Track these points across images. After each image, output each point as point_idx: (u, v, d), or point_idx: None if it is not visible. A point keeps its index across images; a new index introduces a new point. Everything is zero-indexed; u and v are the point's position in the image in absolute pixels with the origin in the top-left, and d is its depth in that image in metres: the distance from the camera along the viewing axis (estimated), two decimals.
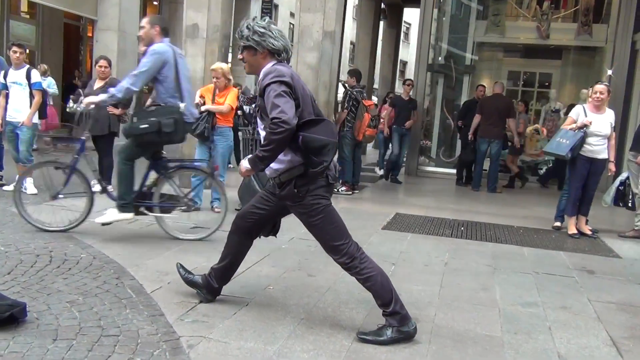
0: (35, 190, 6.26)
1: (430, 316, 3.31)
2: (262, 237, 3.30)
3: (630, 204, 6.04)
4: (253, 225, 3.16)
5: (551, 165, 11.22)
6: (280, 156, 2.81)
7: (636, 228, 6.01)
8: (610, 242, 5.76)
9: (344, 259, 2.93)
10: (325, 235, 2.94)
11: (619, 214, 7.25)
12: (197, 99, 6.01)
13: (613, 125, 5.84)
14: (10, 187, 6.28)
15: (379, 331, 2.90)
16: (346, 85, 7.80)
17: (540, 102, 12.17)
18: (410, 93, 9.91)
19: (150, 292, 3.40)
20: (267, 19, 3.03)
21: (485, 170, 9.29)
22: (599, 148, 5.75)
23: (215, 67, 5.97)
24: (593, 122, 5.68)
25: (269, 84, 2.77)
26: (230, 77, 6.03)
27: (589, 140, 5.70)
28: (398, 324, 2.88)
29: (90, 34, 16.60)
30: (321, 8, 6.82)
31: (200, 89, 6.20)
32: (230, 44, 8.24)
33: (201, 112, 5.73)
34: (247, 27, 2.94)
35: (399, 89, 35.50)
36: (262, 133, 2.95)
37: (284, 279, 3.85)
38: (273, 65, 2.91)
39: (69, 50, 16.68)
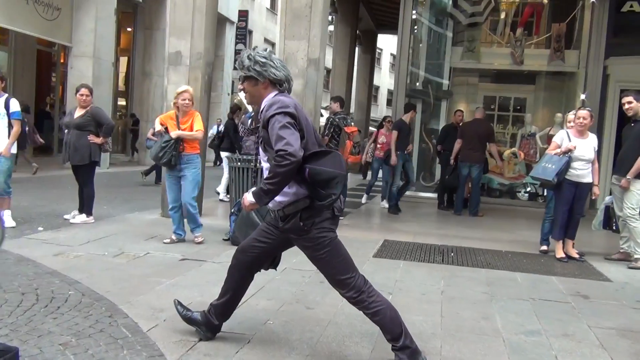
0: (13, 223, 6.03)
1: (436, 348, 3.25)
2: (262, 270, 3.21)
3: (615, 227, 6.13)
4: (255, 259, 3.07)
5: (529, 188, 11.44)
6: (285, 189, 2.74)
7: (621, 250, 6.08)
8: (597, 266, 5.80)
9: (351, 293, 2.85)
10: (331, 269, 2.87)
11: (600, 236, 7.37)
12: (158, 127, 5.85)
13: (596, 149, 5.95)
14: None
15: None
16: (329, 111, 7.81)
17: (516, 126, 12.40)
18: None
19: (147, 331, 3.26)
20: (269, 48, 3.01)
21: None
22: (583, 172, 5.84)
23: (184, 89, 5.73)
24: (577, 147, 5.78)
25: (273, 115, 2.72)
26: (193, 101, 5.90)
27: (574, 164, 5.78)
28: (408, 359, 2.81)
29: (62, 60, 16.40)
30: (305, 35, 6.84)
31: (160, 117, 6.01)
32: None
33: (167, 140, 5.56)
34: (248, 57, 2.90)
35: (375, 114, 35.92)
36: (265, 165, 2.89)
37: (282, 313, 3.75)
38: (275, 95, 2.87)
39: (40, 77, 16.42)
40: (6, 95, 6.00)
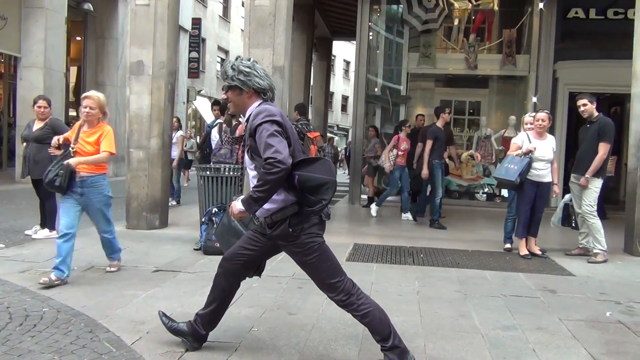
0: None
1: (420, 347, 3.33)
2: (247, 278, 3.22)
3: (574, 224, 6.41)
4: (241, 267, 3.08)
5: (487, 189, 11.78)
6: (274, 196, 2.77)
7: (580, 246, 6.35)
8: (559, 261, 6.04)
9: (340, 297, 2.89)
10: (321, 274, 2.90)
11: (558, 233, 7.67)
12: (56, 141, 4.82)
13: (555, 150, 6.21)
14: None
15: None
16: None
17: (472, 128, 12.75)
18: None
19: (131, 344, 3.21)
20: (252, 58, 3.03)
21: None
22: (544, 172, 6.08)
23: (86, 95, 4.56)
24: (537, 148, 6.01)
25: (260, 124, 2.74)
26: (107, 111, 4.62)
27: (535, 165, 6.02)
28: (398, 358, 2.87)
29: (10, 72, 15.83)
30: (270, 44, 6.86)
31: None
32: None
33: (58, 161, 4.55)
34: (232, 67, 2.92)
35: (331, 120, 36.09)
36: (252, 173, 2.91)
37: (265, 320, 3.75)
38: (260, 104, 2.89)
39: None
40: None
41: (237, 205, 2.82)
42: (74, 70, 18.70)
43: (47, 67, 13.50)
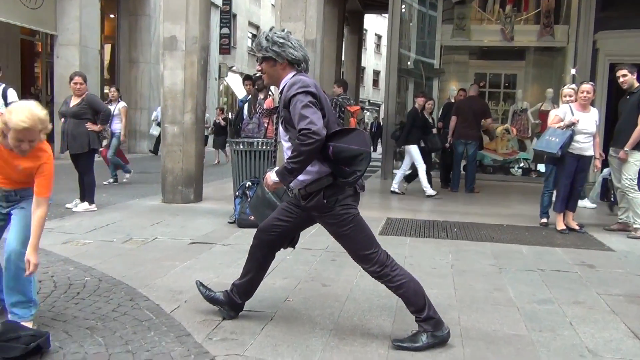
0: None
1: (454, 319, 3.32)
2: (281, 249, 3.25)
3: (613, 199, 6.24)
4: (276, 238, 3.11)
5: (522, 164, 11.57)
6: (308, 167, 2.77)
7: (620, 221, 6.21)
8: (598, 236, 5.92)
9: (374, 268, 2.90)
10: (355, 245, 2.91)
11: (597, 208, 7.51)
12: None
13: (597, 123, 6.03)
14: None
15: (414, 337, 2.89)
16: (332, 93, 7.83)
17: (507, 102, 12.48)
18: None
19: (170, 312, 3.30)
20: (286, 29, 3.00)
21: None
22: (585, 145, 5.91)
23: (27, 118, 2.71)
24: (580, 121, 5.84)
25: (294, 95, 2.73)
26: (49, 126, 2.83)
27: (577, 138, 5.85)
28: (432, 329, 2.88)
29: (47, 50, 16.14)
30: (302, 17, 6.82)
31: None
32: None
33: None
34: (266, 39, 2.90)
35: (362, 95, 35.85)
36: (286, 144, 2.91)
37: (300, 291, 3.80)
38: (294, 75, 2.88)
39: (24, 66, 16.15)
40: (3, 85, 5.93)
41: (271, 176, 2.83)
42: (108, 47, 18.95)
43: (83, 45, 13.71)
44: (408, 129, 8.74)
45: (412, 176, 9.07)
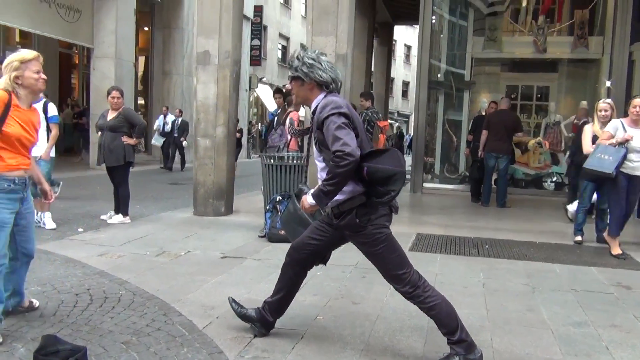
0: (54, 225, 6.17)
1: (487, 341, 3.28)
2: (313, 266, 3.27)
3: None
4: (309, 256, 3.13)
5: (555, 178, 11.37)
6: None
7: None
8: (635, 255, 5.76)
9: (406, 288, 2.90)
10: (387, 265, 2.92)
11: (633, 225, 7.30)
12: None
13: None
14: None
15: None
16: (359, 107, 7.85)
17: (539, 115, 12.31)
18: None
19: (202, 329, 3.34)
20: (318, 50, 3.04)
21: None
22: (638, 164, 5.61)
23: None
24: (634, 137, 5.55)
25: (327, 117, 2.76)
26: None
27: (629, 156, 5.55)
28: (465, 352, 2.85)
29: (84, 62, 16.60)
30: (333, 31, 6.87)
31: None
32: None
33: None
34: (298, 58, 2.95)
35: (391, 106, 35.78)
36: (320, 165, 2.94)
37: (330, 308, 3.81)
38: (326, 96, 2.91)
39: (61, 78, 16.65)
40: (44, 99, 6.11)
41: (308, 199, 2.86)
42: (142, 59, 19.40)
43: (118, 57, 14.06)
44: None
45: None
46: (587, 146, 6.04)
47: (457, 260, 5.37)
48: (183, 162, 15.30)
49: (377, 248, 2.88)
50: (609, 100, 6.21)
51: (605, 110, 6.02)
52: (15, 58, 3.14)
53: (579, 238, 6.26)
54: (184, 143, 14.95)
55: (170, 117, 15.27)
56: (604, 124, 5.99)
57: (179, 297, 3.90)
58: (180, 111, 15.57)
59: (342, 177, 2.68)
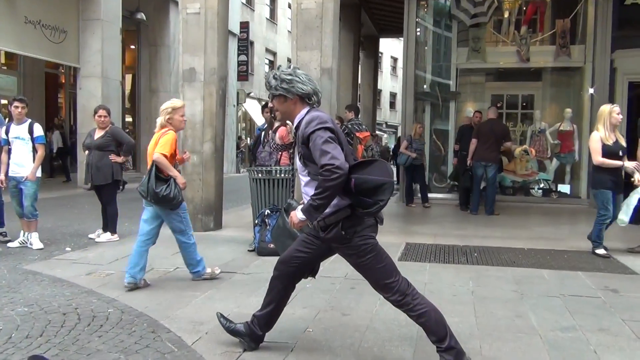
0: (41, 245, 6.13)
1: (476, 349, 3.29)
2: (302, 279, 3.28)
3: None
4: (297, 269, 3.14)
5: (542, 184, 11.47)
6: None
7: None
8: (622, 259, 5.83)
9: (395, 297, 2.91)
10: (375, 275, 2.93)
11: (619, 228, 7.35)
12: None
13: None
14: (16, 244, 6.17)
15: None
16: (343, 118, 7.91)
17: (525, 123, 12.42)
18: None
19: (191, 344, 3.33)
20: (292, 65, 3.09)
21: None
22: None
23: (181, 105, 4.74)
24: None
25: (313, 131, 2.78)
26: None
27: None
28: (454, 359, 2.86)
29: (70, 82, 16.55)
30: (318, 46, 6.92)
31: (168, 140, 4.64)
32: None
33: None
34: (274, 77, 2.99)
35: (379, 117, 35.95)
36: (304, 179, 2.96)
37: (320, 320, 3.81)
38: (309, 111, 2.94)
39: (48, 98, 16.57)
40: (29, 120, 6.11)
41: (297, 214, 2.87)
42: (128, 77, 19.40)
43: (105, 76, 14.05)
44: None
45: None
46: (597, 156, 5.90)
47: (446, 268, 5.39)
48: None
49: (364, 259, 2.89)
50: (616, 106, 6.12)
51: (618, 113, 5.97)
52: (169, 105, 4.60)
53: (603, 251, 6.02)
54: None
55: None
56: (615, 126, 5.99)
57: (167, 314, 3.89)
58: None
59: (332, 190, 2.70)
